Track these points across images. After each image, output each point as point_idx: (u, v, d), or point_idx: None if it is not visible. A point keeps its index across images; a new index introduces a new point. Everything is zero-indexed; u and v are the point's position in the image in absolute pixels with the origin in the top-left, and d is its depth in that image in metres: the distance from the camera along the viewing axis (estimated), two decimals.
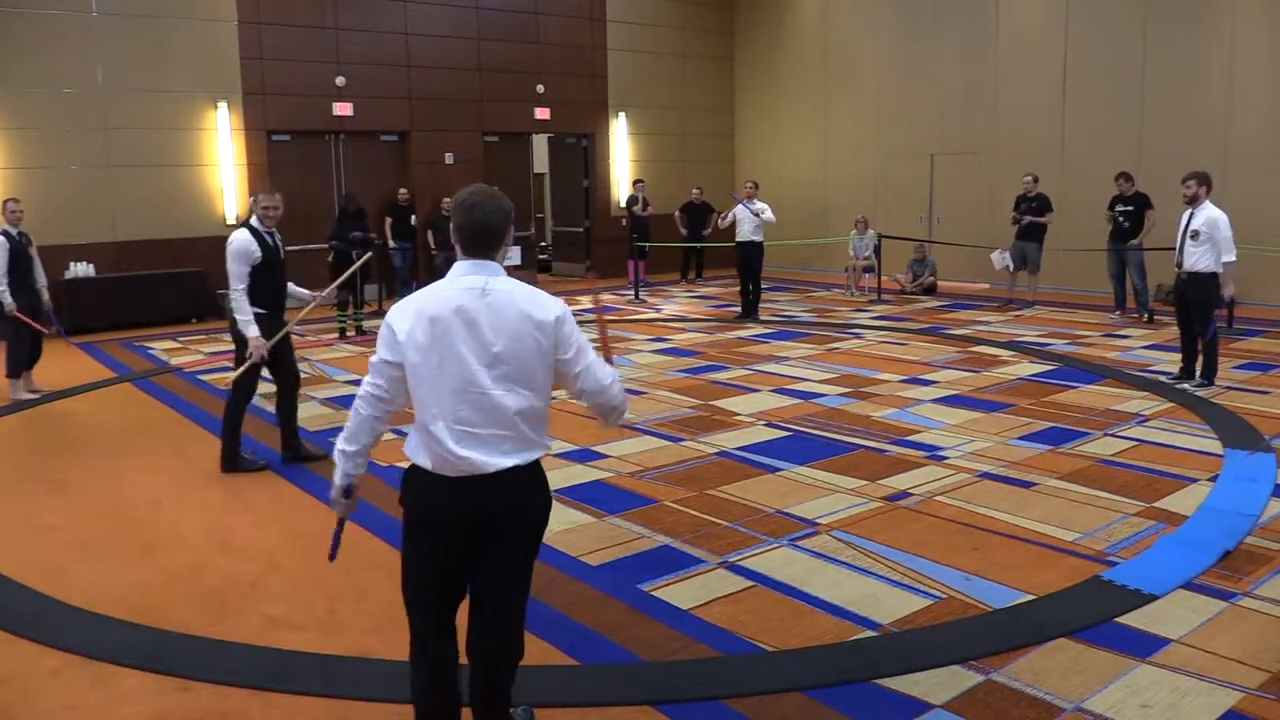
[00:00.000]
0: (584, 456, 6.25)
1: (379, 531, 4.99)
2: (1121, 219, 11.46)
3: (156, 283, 12.91)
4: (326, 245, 12.26)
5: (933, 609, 3.96)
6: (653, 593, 4.17)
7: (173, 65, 13.07)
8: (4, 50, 12.02)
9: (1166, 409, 7.18)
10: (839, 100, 16.97)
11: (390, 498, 5.56)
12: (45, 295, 8.73)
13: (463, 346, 2.54)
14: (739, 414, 7.31)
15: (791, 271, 17.28)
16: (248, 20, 13.56)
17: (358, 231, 11.86)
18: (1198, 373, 7.84)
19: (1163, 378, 8.15)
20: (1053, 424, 6.79)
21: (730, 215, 12.29)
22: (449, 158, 15.53)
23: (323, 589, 4.33)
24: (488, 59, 15.81)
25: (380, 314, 11.47)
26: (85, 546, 4.96)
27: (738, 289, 12.93)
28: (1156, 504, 5.13)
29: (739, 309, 12.60)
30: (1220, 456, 5.95)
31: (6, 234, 8.25)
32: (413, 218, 14.72)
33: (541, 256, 18.75)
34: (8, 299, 8.16)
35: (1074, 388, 7.94)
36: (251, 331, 5.91)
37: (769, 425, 6.95)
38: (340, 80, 14.40)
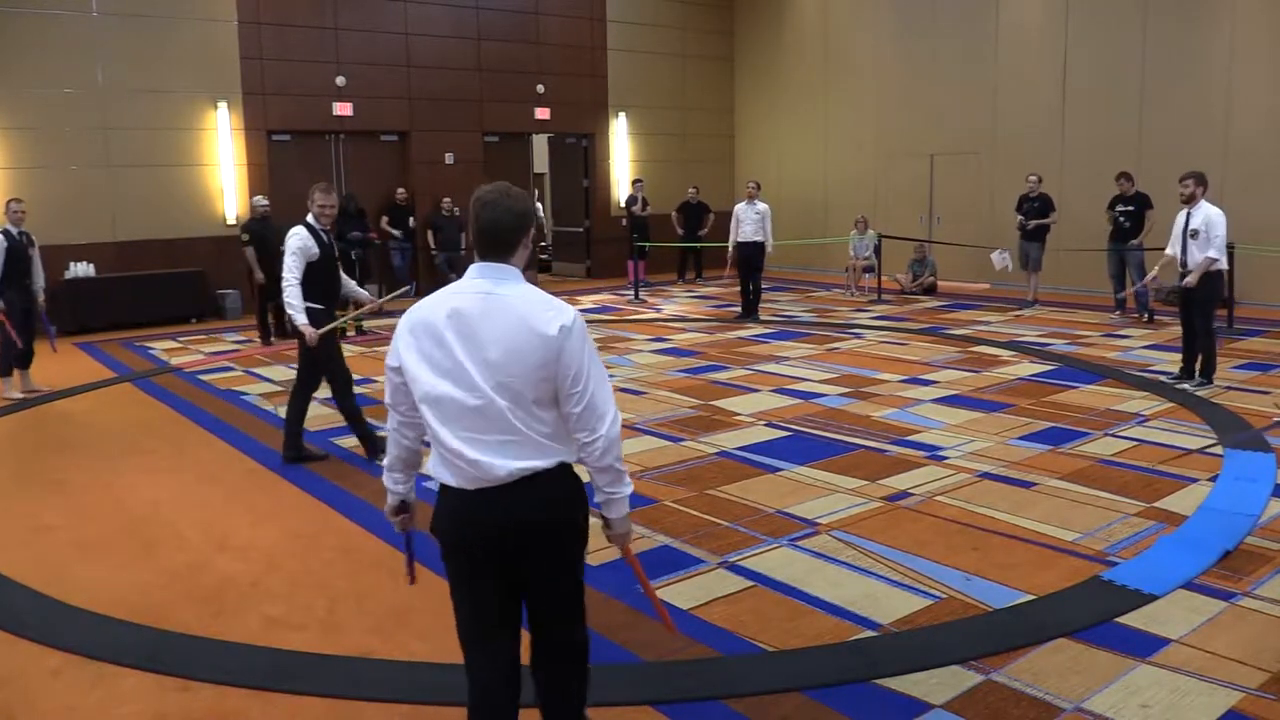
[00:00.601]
0: None
1: (379, 532, 4.99)
2: (1122, 219, 11.46)
3: (156, 283, 12.91)
4: None
5: (933, 609, 3.96)
6: None
7: (173, 65, 13.07)
8: (4, 50, 12.02)
9: (1166, 409, 7.18)
10: (839, 100, 16.97)
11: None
12: (41, 298, 8.71)
13: (460, 353, 2.44)
14: (739, 414, 7.31)
15: (791, 271, 17.28)
16: (248, 20, 13.56)
17: (357, 231, 11.85)
18: (1198, 372, 7.84)
19: (1163, 378, 8.15)
20: (1053, 424, 6.79)
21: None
22: (449, 158, 15.53)
23: (323, 589, 4.33)
24: (488, 59, 15.81)
25: (380, 314, 11.48)
26: (85, 546, 4.96)
27: (738, 289, 12.94)
28: (1156, 504, 5.13)
29: (739, 309, 12.61)
30: (1220, 456, 5.95)
31: (6, 233, 8.24)
32: (411, 219, 14.73)
33: (542, 257, 18.76)
34: None
35: (1074, 388, 7.94)
36: (300, 319, 6.00)
37: (769, 425, 6.95)
38: (340, 80, 14.40)
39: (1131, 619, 3.82)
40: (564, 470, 2.53)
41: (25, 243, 8.40)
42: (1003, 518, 4.98)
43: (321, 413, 7.73)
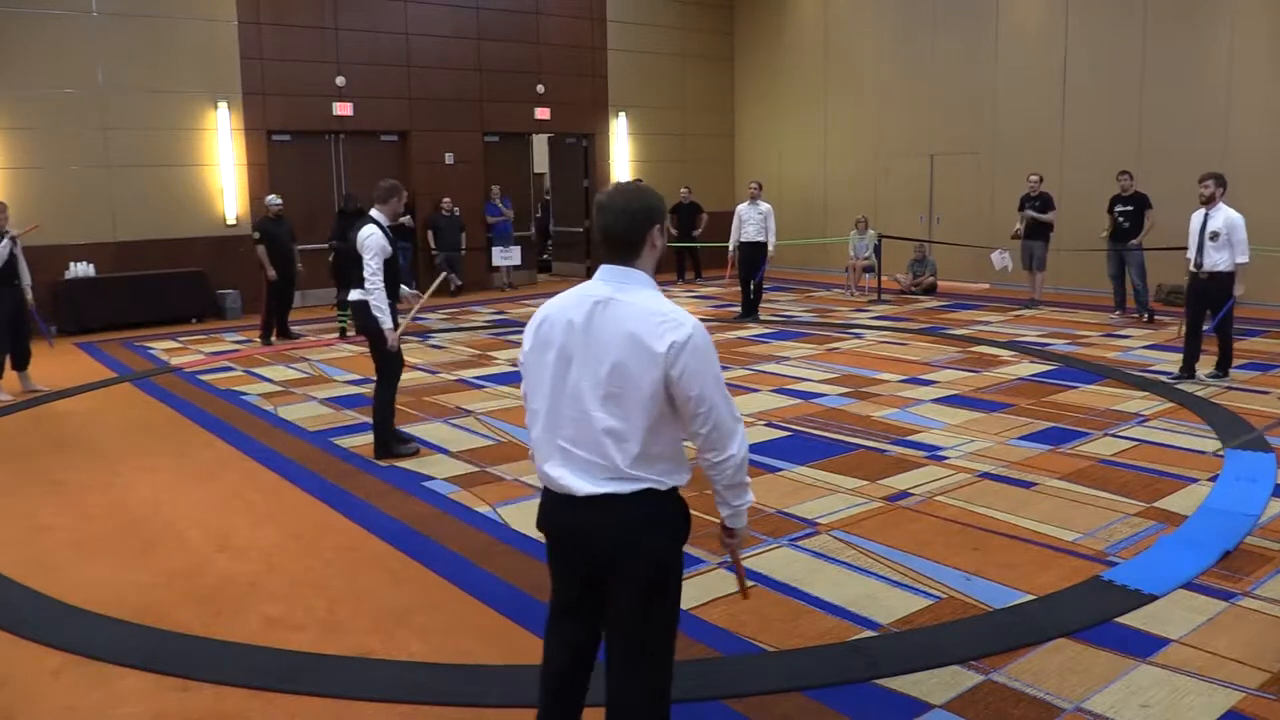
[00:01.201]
0: None
1: (380, 533, 4.99)
2: (1121, 219, 11.46)
3: (156, 283, 12.90)
4: (326, 245, 12.29)
5: (933, 609, 3.96)
6: None
7: (173, 65, 13.07)
8: (4, 50, 12.01)
9: (1166, 409, 7.18)
10: (839, 100, 16.97)
11: (389, 497, 5.58)
12: (29, 295, 8.67)
13: (574, 359, 2.35)
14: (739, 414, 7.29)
15: (791, 271, 17.28)
16: (248, 20, 13.56)
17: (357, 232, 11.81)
18: (1198, 372, 7.84)
19: (1163, 378, 8.15)
20: (1053, 424, 6.79)
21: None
22: (449, 158, 15.53)
23: (322, 589, 4.33)
24: (488, 59, 15.81)
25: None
26: (85, 546, 4.96)
27: (738, 289, 12.94)
28: (1156, 504, 5.13)
29: (739, 309, 12.61)
30: (1220, 456, 5.95)
31: None
32: (409, 219, 14.70)
33: (543, 257, 18.75)
34: None
35: (1074, 388, 7.94)
36: (387, 323, 6.05)
37: (769, 425, 6.95)
38: (340, 80, 14.40)
39: (1131, 619, 3.81)
40: (651, 501, 2.39)
41: (11, 245, 8.37)
42: (1003, 518, 4.98)
43: (321, 413, 7.73)
